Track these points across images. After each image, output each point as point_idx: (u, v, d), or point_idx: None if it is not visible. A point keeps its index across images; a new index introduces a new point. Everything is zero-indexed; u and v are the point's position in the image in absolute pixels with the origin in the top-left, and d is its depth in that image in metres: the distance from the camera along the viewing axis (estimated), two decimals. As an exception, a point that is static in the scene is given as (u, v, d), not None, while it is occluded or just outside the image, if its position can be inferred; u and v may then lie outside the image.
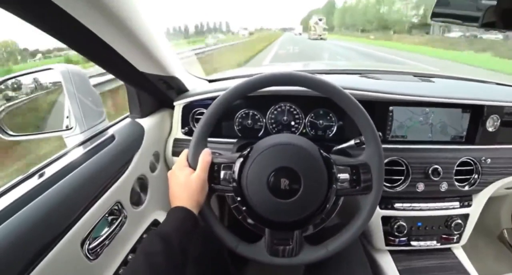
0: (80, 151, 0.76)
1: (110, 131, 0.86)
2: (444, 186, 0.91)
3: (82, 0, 0.49)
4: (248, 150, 0.66)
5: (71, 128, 0.85)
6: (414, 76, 1.19)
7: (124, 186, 0.79)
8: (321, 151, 0.66)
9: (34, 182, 0.62)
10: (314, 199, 0.63)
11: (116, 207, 0.76)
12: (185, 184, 0.63)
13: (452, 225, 0.94)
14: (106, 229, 0.73)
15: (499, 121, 0.97)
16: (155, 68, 0.79)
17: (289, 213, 0.63)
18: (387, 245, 0.94)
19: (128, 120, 0.92)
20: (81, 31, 0.54)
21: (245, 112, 0.94)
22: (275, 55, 15.05)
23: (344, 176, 0.65)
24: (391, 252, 0.96)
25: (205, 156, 0.65)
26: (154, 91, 0.90)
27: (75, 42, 0.60)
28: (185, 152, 0.69)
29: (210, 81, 1.14)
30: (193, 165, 0.66)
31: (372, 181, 0.66)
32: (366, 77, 1.11)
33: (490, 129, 0.97)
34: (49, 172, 0.65)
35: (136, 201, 0.87)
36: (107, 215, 0.73)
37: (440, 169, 0.89)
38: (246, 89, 0.66)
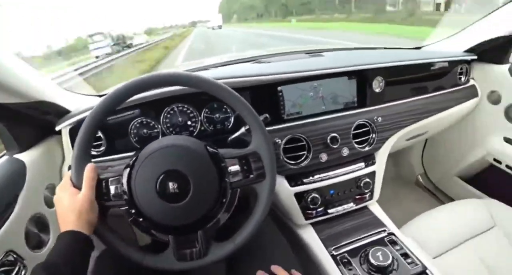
0: None
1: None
2: (345, 151, 0.97)
3: None
4: (134, 158, 0.63)
5: None
6: (306, 53, 1.24)
7: (13, 231, 0.70)
8: (208, 147, 0.65)
9: None
10: (207, 197, 0.62)
11: (9, 257, 0.68)
12: (70, 206, 0.58)
13: (362, 184, 1.00)
14: (2, 285, 0.65)
15: (384, 82, 1.05)
16: (13, 97, 0.71)
17: (185, 215, 0.61)
18: (306, 219, 0.98)
19: (5, 158, 0.82)
20: None
21: (138, 122, 0.90)
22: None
23: (235, 168, 0.65)
24: (312, 224, 1.00)
25: (89, 173, 0.61)
26: (27, 120, 0.81)
27: None
28: (68, 173, 0.64)
29: (101, 95, 1.07)
30: (77, 184, 0.61)
31: (264, 168, 0.67)
32: (259, 62, 1.12)
33: (377, 90, 1.05)
34: None
35: (36, 243, 0.79)
36: (-2, 270, 0.65)
37: (337, 136, 0.94)
38: (113, 102, 0.63)
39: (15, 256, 0.70)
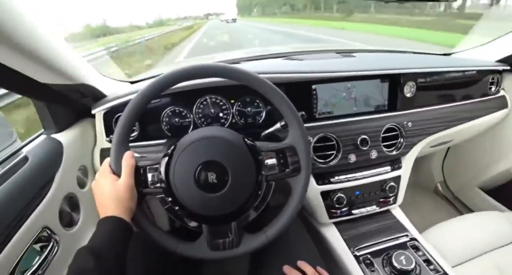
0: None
1: (22, 152, 0.78)
2: (374, 154, 0.97)
3: None
4: (172, 148, 0.64)
5: (-27, 156, 0.75)
6: (337, 53, 1.24)
7: (49, 209, 0.72)
8: (246, 139, 0.66)
9: None
10: (244, 188, 0.63)
11: (44, 233, 0.70)
12: (111, 192, 0.59)
13: (387, 188, 1.00)
14: (36, 259, 0.67)
15: (415, 87, 1.04)
16: (60, 78, 0.72)
17: (221, 206, 0.62)
18: (330, 217, 0.98)
19: (43, 137, 0.84)
20: None
21: (171, 110, 0.91)
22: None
23: (271, 161, 0.65)
24: (335, 223, 1.01)
25: (128, 160, 0.61)
26: (67, 102, 0.83)
27: None
28: (107, 160, 0.65)
29: (133, 82, 1.09)
30: (116, 171, 0.62)
31: (299, 162, 0.67)
32: (290, 59, 1.12)
33: (408, 95, 1.04)
34: None
35: (69, 222, 0.81)
36: (34, 243, 0.67)
37: (367, 138, 0.94)
38: (157, 89, 0.63)
39: (49, 232, 0.72)
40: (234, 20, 41.57)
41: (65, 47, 0.73)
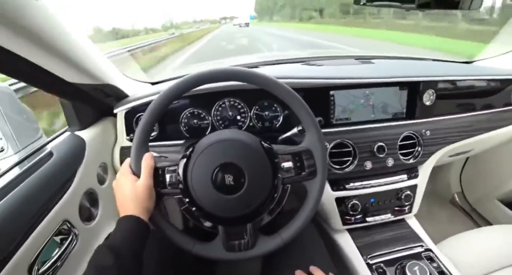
0: (15, 172, 0.71)
1: (47, 148, 0.81)
2: (390, 161, 0.96)
3: None
4: (190, 149, 0.65)
5: (2, 150, 0.79)
6: (356, 59, 1.24)
7: (70, 203, 0.75)
8: (263, 142, 0.66)
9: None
10: (260, 191, 0.64)
11: (64, 226, 0.73)
12: (131, 193, 0.61)
13: (403, 197, 0.99)
14: (56, 251, 0.70)
15: (435, 95, 1.03)
16: (86, 78, 0.75)
17: (238, 207, 0.63)
18: (344, 224, 0.98)
19: (67, 134, 0.87)
20: None
21: (189, 112, 0.93)
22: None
23: (288, 164, 0.66)
24: (349, 230, 1.00)
25: (147, 161, 0.63)
26: (91, 101, 0.86)
27: None
28: (127, 160, 0.67)
29: (154, 83, 1.11)
30: (136, 172, 0.64)
31: (316, 166, 0.67)
32: (308, 64, 1.13)
33: (427, 103, 1.03)
34: None
35: (88, 216, 0.84)
36: (55, 236, 0.69)
37: (384, 145, 0.94)
38: (179, 90, 0.65)
39: (69, 225, 0.74)
40: (247, 25, 42.51)
41: (92, 48, 0.76)
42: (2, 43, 0.50)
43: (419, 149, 1.01)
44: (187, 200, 0.64)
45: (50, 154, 0.77)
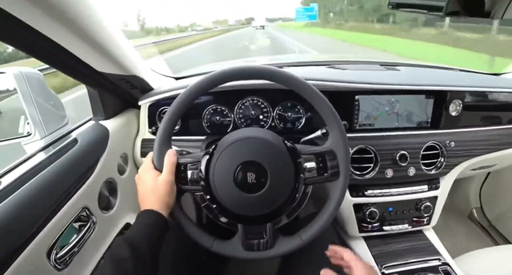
0: (41, 157, 0.73)
1: (72, 135, 0.83)
2: (412, 171, 0.94)
3: (27, 2, 0.46)
4: (213, 147, 0.65)
5: (29, 134, 0.81)
6: (381, 65, 1.22)
7: (90, 190, 0.76)
8: (286, 142, 0.66)
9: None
10: (282, 190, 0.63)
11: (83, 213, 0.74)
12: (152, 188, 0.61)
13: (422, 208, 0.97)
14: (74, 236, 0.71)
15: (461, 105, 1.00)
16: (115, 68, 0.76)
17: (259, 206, 0.63)
18: (360, 231, 0.96)
19: (91, 123, 0.89)
20: (31, 33, 0.52)
21: (213, 108, 0.93)
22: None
23: (310, 164, 0.65)
24: (365, 238, 0.98)
25: (170, 157, 0.64)
26: (117, 91, 0.87)
27: (27, 46, 0.57)
28: (150, 155, 0.67)
29: (177, 78, 1.12)
30: (159, 167, 0.64)
31: (339, 167, 0.66)
32: (333, 68, 1.12)
33: (453, 113, 1.00)
34: (7, 180, 0.62)
35: (106, 205, 0.85)
36: (74, 222, 0.70)
37: (407, 154, 0.92)
38: (206, 85, 0.64)
39: (88, 212, 0.75)
40: (262, 27, 45.85)
41: (123, 39, 0.77)
42: (35, 26, 0.51)
43: (442, 159, 0.98)
44: (208, 197, 0.64)
45: (75, 141, 0.78)
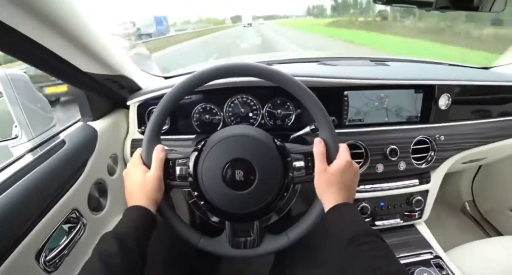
0: (28, 159, 0.72)
1: (60, 137, 0.82)
2: (402, 165, 0.94)
3: (8, 3, 0.45)
4: (202, 143, 0.65)
5: (16, 137, 0.80)
6: (371, 61, 1.22)
7: (79, 192, 0.75)
8: (275, 140, 0.66)
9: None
10: (270, 188, 0.63)
11: (73, 215, 0.73)
12: (140, 183, 0.61)
13: (413, 202, 0.97)
14: (64, 238, 0.70)
15: (451, 99, 1.01)
16: (101, 68, 0.75)
17: (246, 204, 0.62)
18: None
19: (79, 124, 0.88)
20: (13, 35, 0.51)
21: (202, 107, 0.93)
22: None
23: (299, 163, 0.65)
24: None
25: (158, 153, 0.63)
26: (104, 91, 0.86)
27: (9, 48, 0.56)
28: (138, 150, 0.67)
29: (167, 78, 1.12)
30: (147, 163, 0.64)
31: None
32: (324, 64, 1.12)
33: (442, 107, 1.00)
34: None
35: (96, 206, 0.84)
36: (63, 224, 0.70)
37: (397, 149, 0.92)
38: (193, 83, 0.64)
39: (78, 214, 0.75)
40: (250, 25, 50.79)
41: (108, 38, 0.76)
42: (17, 28, 0.50)
43: (432, 153, 0.99)
44: (195, 193, 0.64)
45: (63, 143, 0.78)
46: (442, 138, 0.98)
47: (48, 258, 0.63)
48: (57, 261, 0.66)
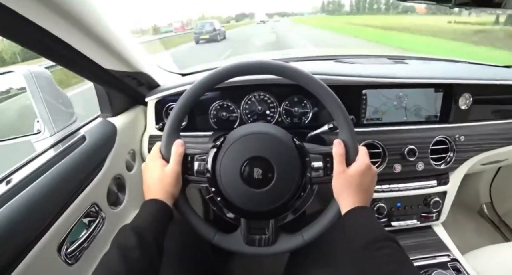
0: (50, 154, 0.73)
1: (81, 132, 0.83)
2: (420, 166, 0.93)
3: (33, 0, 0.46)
4: (222, 140, 0.65)
5: (39, 132, 0.82)
6: (389, 59, 1.20)
7: (99, 187, 0.77)
8: (295, 140, 0.65)
9: (1, 189, 0.59)
10: (287, 188, 0.63)
11: (92, 209, 0.75)
12: (158, 177, 0.62)
13: (431, 203, 0.96)
14: (84, 232, 0.72)
15: (471, 99, 0.98)
16: (121, 65, 0.77)
17: (263, 202, 0.62)
18: None
19: (99, 120, 0.89)
20: (37, 31, 0.52)
21: (219, 104, 0.93)
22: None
23: (318, 164, 0.64)
24: None
25: (177, 147, 0.64)
26: (124, 88, 0.88)
27: (33, 44, 0.57)
28: (157, 144, 0.67)
29: (184, 75, 1.12)
30: (166, 157, 0.64)
31: None
32: (341, 62, 1.11)
33: (462, 107, 0.98)
34: (17, 177, 0.63)
35: (114, 201, 0.86)
36: (83, 218, 0.71)
37: (415, 149, 0.91)
38: (213, 80, 0.64)
39: (97, 208, 0.76)
40: (263, 22, 52.10)
41: (128, 36, 0.77)
42: (42, 24, 0.51)
43: (452, 154, 0.97)
44: (213, 189, 0.64)
45: (83, 138, 0.79)
46: (462, 138, 0.96)
47: (69, 250, 0.65)
48: (77, 253, 0.67)
